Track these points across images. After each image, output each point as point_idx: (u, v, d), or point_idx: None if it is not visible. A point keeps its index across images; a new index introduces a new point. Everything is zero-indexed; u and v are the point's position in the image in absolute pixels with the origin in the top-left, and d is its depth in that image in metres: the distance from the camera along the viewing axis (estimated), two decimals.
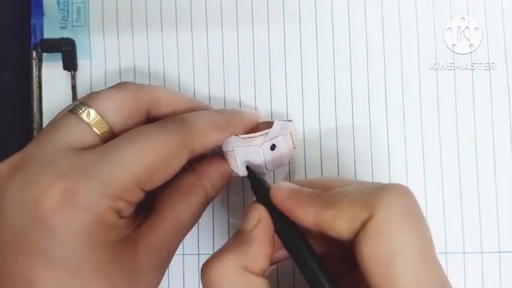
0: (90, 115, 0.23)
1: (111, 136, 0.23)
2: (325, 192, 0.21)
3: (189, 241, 0.30)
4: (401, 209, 0.19)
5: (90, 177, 0.20)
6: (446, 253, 0.29)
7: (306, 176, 0.30)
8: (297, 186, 0.23)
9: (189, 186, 0.25)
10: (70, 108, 0.23)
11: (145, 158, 0.21)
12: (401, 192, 0.20)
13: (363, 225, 0.19)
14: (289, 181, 0.24)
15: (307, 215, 0.21)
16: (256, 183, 0.25)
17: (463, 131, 0.29)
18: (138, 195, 0.22)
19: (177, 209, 0.24)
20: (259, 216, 0.22)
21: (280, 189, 0.22)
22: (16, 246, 0.20)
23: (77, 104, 0.23)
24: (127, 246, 0.22)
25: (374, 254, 0.19)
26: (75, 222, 0.20)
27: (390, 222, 0.19)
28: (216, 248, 0.23)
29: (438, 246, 0.28)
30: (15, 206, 0.20)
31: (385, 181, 0.29)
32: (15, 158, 0.22)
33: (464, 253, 0.29)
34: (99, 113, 0.23)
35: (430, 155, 0.29)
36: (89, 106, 0.23)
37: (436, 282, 0.19)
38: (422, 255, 0.19)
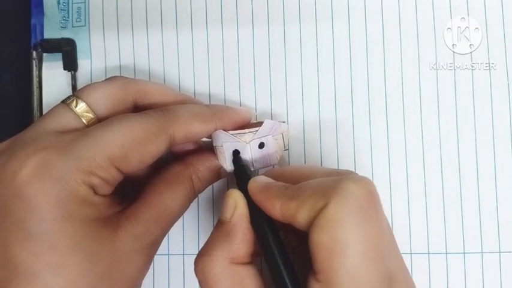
0: (77, 104, 0.24)
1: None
2: (293, 184, 0.22)
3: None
4: (356, 201, 0.20)
5: (65, 152, 0.22)
6: (446, 253, 0.29)
7: None
8: (271, 180, 0.23)
9: (175, 175, 0.26)
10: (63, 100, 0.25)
11: (120, 138, 0.22)
12: (360, 184, 0.20)
13: (318, 213, 0.20)
14: None
15: (274, 207, 0.22)
16: (239, 169, 0.26)
17: (463, 131, 0.29)
18: (114, 175, 0.23)
19: (162, 196, 0.25)
20: (235, 203, 0.23)
21: (255, 182, 0.23)
22: None
23: (69, 95, 0.25)
24: (107, 226, 0.22)
25: (321, 241, 0.19)
26: (48, 192, 0.21)
27: (341, 213, 0.19)
28: None
29: (438, 246, 0.29)
30: None
31: (384, 181, 0.29)
32: (4, 143, 0.23)
33: (464, 253, 0.29)
34: (86, 103, 0.24)
35: (430, 155, 0.29)
36: (78, 97, 0.24)
37: (375, 279, 0.19)
38: (366, 251, 0.19)
